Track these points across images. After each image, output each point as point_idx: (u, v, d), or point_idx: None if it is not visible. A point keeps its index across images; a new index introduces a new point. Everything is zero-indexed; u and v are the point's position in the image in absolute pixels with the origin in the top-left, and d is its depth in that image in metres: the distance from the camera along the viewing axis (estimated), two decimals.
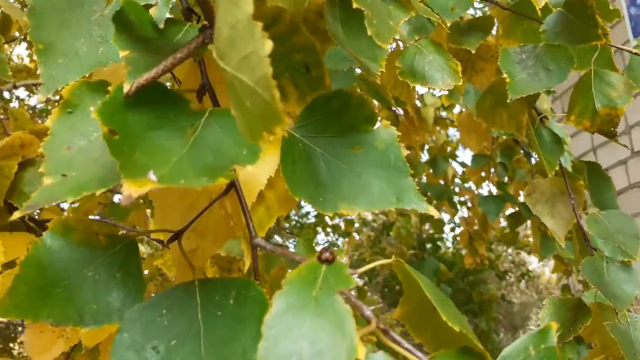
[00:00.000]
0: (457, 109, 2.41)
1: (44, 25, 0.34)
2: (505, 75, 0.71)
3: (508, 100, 0.67)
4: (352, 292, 0.27)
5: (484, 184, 2.31)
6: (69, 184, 0.29)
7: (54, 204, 0.29)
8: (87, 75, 0.34)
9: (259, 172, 0.35)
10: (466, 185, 2.78)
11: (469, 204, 2.82)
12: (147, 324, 0.31)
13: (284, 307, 0.24)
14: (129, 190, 0.23)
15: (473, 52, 0.82)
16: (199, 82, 0.37)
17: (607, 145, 2.62)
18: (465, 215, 2.83)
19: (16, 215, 0.28)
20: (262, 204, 0.36)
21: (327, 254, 0.26)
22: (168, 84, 0.46)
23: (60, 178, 0.29)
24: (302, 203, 0.39)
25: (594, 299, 0.72)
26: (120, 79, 0.30)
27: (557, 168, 0.72)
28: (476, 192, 2.59)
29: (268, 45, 0.19)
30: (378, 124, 0.35)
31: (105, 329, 0.78)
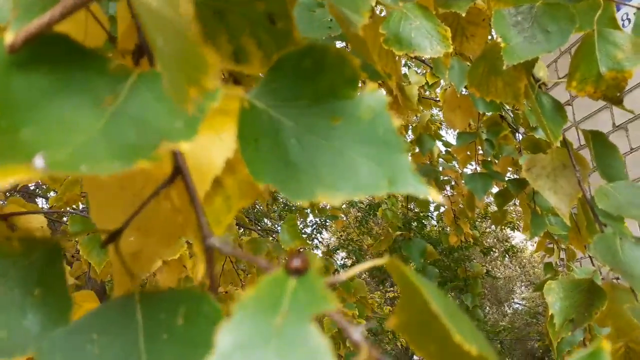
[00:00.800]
0: (439, 88, 2.36)
1: None
2: (499, 40, 0.64)
3: (504, 67, 0.60)
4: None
5: (468, 165, 2.27)
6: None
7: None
8: None
9: (215, 153, 0.28)
10: (449, 164, 2.75)
11: (453, 183, 2.80)
12: (72, 354, 0.24)
13: (231, 346, 0.16)
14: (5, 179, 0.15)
15: (463, 15, 0.75)
16: (135, 42, 0.29)
17: (589, 121, 2.59)
18: (449, 194, 2.81)
19: None
20: (219, 193, 0.29)
21: (297, 262, 0.19)
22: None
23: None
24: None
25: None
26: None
27: (561, 138, 0.65)
28: (460, 171, 2.56)
29: None
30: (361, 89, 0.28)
31: None
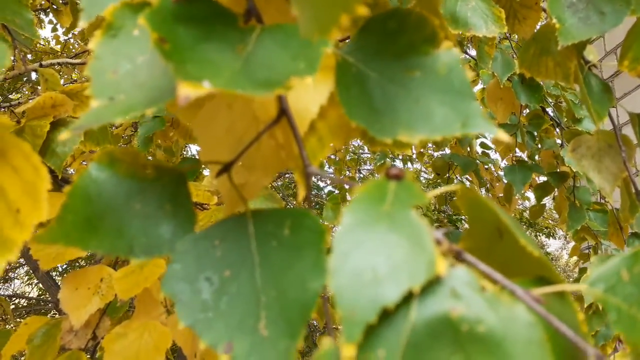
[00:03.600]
0: (477, 87, 2.36)
1: None
2: (554, 21, 0.67)
3: (558, 48, 0.63)
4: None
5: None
6: (117, 105, 0.27)
7: (102, 123, 0.27)
8: None
9: (310, 100, 0.33)
10: (486, 167, 2.73)
11: (488, 185, 2.79)
12: (199, 255, 0.30)
13: (353, 222, 0.22)
14: (186, 91, 0.21)
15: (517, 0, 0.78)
16: (244, 7, 0.35)
17: (628, 98, 2.52)
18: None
19: (63, 136, 0.26)
20: (313, 134, 0.34)
21: (395, 170, 0.24)
22: None
23: (108, 101, 0.28)
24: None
25: None
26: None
27: (606, 118, 0.68)
28: (495, 174, 2.56)
29: None
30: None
31: (139, 283, 0.78)
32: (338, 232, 0.22)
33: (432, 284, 0.21)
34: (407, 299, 0.21)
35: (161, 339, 0.78)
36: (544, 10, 0.84)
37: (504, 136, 0.29)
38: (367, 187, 0.24)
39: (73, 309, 0.76)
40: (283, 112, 0.32)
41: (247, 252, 0.30)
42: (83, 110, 0.94)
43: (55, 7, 1.89)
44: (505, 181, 2.09)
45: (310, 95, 0.33)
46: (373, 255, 0.21)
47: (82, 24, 0.33)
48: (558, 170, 2.17)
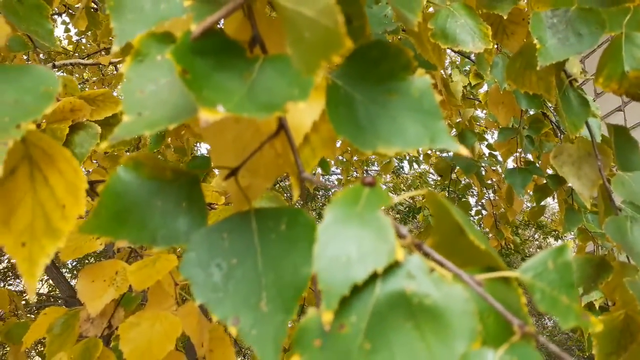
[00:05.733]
0: (483, 89, 2.40)
1: None
2: (535, 41, 0.73)
3: (537, 68, 0.69)
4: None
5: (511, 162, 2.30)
6: (144, 120, 0.34)
7: (130, 137, 0.33)
8: (152, 29, 0.38)
9: (305, 116, 0.39)
10: (493, 168, 2.77)
11: (496, 187, 2.81)
12: (211, 245, 0.36)
13: (333, 219, 0.28)
14: (206, 116, 0.27)
15: (505, 17, 0.84)
16: (250, 35, 0.41)
17: (617, 115, 2.56)
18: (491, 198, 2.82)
19: (103, 146, 0.33)
20: (307, 145, 0.40)
21: (369, 179, 0.30)
22: None
23: (137, 116, 0.34)
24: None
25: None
26: (181, 29, 0.34)
27: (582, 130, 0.74)
28: (503, 175, 2.58)
29: None
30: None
31: (152, 275, 0.85)
32: (320, 227, 0.28)
33: (392, 267, 0.27)
34: (373, 278, 0.27)
35: (172, 328, 0.84)
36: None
37: (464, 151, 0.35)
38: (346, 191, 0.30)
39: (90, 299, 0.83)
40: (282, 126, 0.38)
41: (250, 243, 0.36)
42: (99, 114, 1.01)
43: (71, 11, 1.96)
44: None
45: (304, 112, 0.40)
46: (347, 245, 0.27)
47: (115, 49, 0.39)
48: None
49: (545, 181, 2.11)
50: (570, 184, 0.78)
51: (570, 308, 0.28)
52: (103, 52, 3.09)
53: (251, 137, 0.43)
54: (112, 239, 0.36)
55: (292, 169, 0.38)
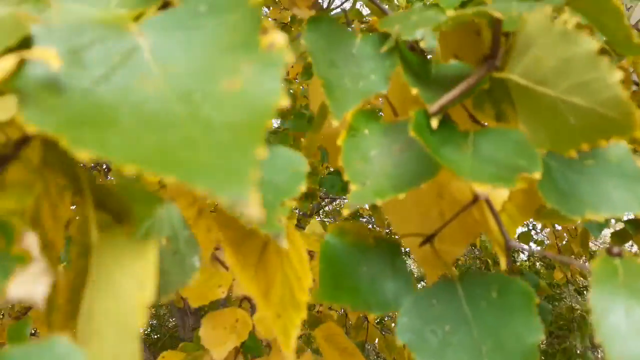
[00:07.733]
0: None
1: (319, 64, 0.42)
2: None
3: None
4: None
5: None
6: (370, 190, 0.36)
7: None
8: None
9: (501, 188, 0.41)
10: None
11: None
12: (422, 312, 0.37)
13: (599, 291, 0.29)
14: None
15: None
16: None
17: None
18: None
19: (345, 212, 0.35)
20: (503, 213, 0.41)
21: (617, 250, 0.31)
22: (381, 113, 0.53)
23: (362, 186, 0.36)
24: None
25: None
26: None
27: None
28: None
29: (618, 75, 0.25)
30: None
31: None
32: (592, 298, 0.29)
33: None
34: None
35: None
36: None
37: None
38: (598, 264, 0.30)
39: (214, 345, 0.84)
40: (477, 196, 0.40)
41: (460, 310, 0.37)
42: None
43: None
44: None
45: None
46: (622, 316, 0.27)
47: (335, 123, 0.40)
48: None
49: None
50: None
51: None
52: None
53: (431, 203, 0.44)
54: (336, 304, 0.37)
55: (495, 237, 0.39)
